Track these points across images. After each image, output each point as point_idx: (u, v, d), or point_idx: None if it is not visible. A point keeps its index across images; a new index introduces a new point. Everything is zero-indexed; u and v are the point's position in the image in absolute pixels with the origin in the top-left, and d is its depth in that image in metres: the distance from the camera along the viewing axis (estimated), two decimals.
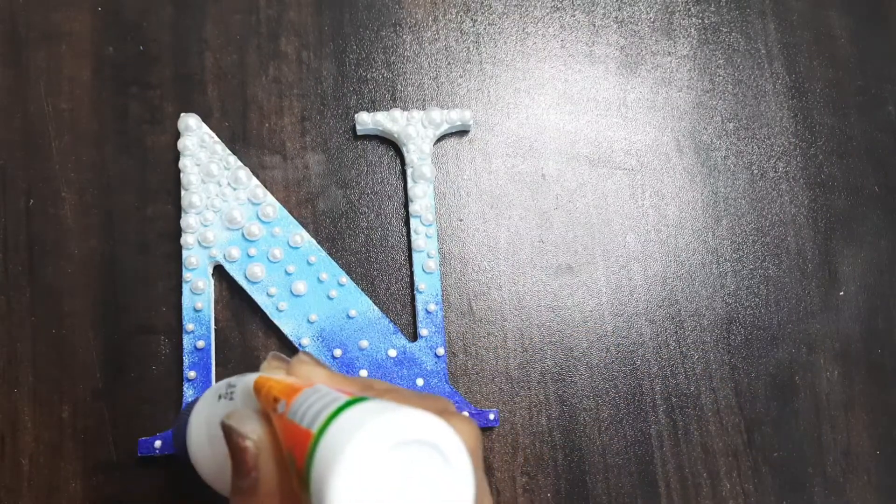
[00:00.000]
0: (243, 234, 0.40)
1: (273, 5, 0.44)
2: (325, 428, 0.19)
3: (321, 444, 0.18)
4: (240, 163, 0.40)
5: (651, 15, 0.47)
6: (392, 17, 0.45)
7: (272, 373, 0.24)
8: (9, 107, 0.41)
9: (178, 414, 0.35)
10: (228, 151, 0.40)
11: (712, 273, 0.43)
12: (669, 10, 0.47)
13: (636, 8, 0.47)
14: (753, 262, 0.44)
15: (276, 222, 0.40)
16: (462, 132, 0.44)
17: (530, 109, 0.45)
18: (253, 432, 0.22)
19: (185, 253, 0.39)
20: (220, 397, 0.26)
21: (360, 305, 0.40)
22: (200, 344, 0.38)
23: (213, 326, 0.39)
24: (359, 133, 0.42)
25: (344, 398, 0.20)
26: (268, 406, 0.22)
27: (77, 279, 0.40)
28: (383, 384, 0.25)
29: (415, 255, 0.41)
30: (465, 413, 0.38)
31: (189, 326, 0.38)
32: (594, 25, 0.46)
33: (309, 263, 0.40)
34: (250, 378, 0.25)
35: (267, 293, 0.39)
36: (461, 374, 0.40)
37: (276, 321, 0.39)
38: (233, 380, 0.27)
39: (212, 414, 0.26)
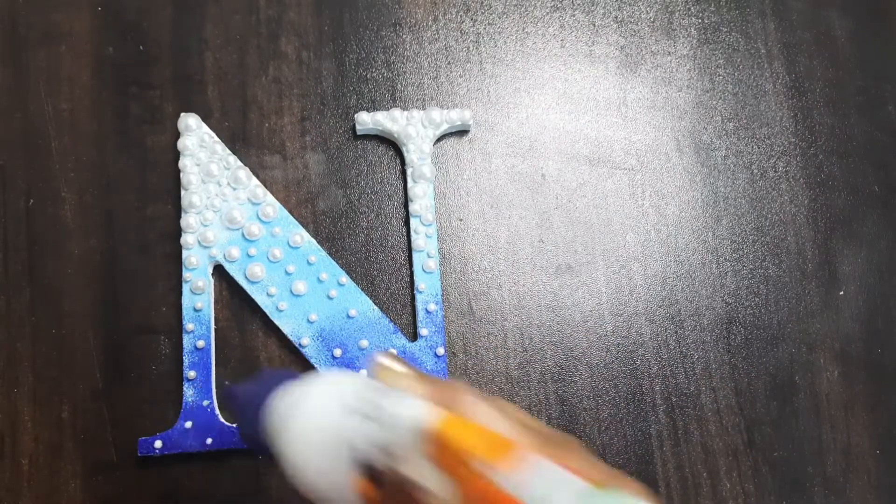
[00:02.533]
0: (243, 234, 0.40)
1: (273, 5, 0.44)
2: None
3: None
4: (240, 163, 0.40)
5: (651, 15, 0.47)
6: (392, 17, 0.45)
7: (411, 387, 0.23)
8: (9, 107, 0.41)
9: (246, 381, 0.28)
10: (228, 151, 0.40)
11: (712, 273, 0.43)
12: (669, 9, 0.47)
13: (636, 8, 0.47)
14: (753, 262, 0.44)
15: (276, 222, 0.40)
16: (462, 132, 0.44)
17: (530, 109, 0.45)
18: None
19: (185, 253, 0.39)
20: (354, 412, 0.23)
21: (360, 305, 0.40)
22: (200, 344, 0.38)
23: (213, 326, 0.39)
24: (359, 133, 0.42)
25: (576, 484, 0.19)
26: (458, 460, 0.20)
27: (77, 279, 0.40)
28: (535, 421, 0.23)
29: (415, 255, 0.41)
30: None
31: (189, 326, 0.38)
32: (594, 25, 0.46)
33: (309, 263, 0.40)
34: (407, 408, 0.22)
35: (267, 293, 0.39)
36: (461, 374, 0.40)
37: (276, 321, 0.39)
38: (374, 397, 0.24)
39: (336, 424, 0.24)
